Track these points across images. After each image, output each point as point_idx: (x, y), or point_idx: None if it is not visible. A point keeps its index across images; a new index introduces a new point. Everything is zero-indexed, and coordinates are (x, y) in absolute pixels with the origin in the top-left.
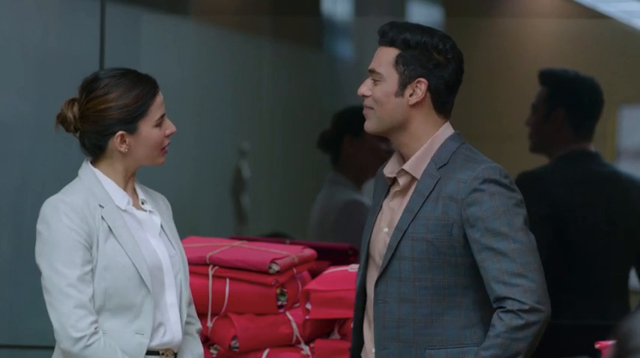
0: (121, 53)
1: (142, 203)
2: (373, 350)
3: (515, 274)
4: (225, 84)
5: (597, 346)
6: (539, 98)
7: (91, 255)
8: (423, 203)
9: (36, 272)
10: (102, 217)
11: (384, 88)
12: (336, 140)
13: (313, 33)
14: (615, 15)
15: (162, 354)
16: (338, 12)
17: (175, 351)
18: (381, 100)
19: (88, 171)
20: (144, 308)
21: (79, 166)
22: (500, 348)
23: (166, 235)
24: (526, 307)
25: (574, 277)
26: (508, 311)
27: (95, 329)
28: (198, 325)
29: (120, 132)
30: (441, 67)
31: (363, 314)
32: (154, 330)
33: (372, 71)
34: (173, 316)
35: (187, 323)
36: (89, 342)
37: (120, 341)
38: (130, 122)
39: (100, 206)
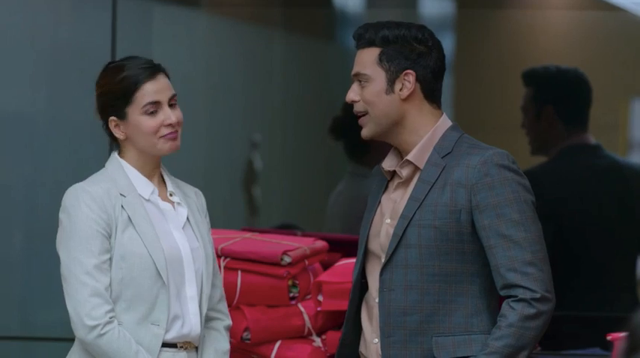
0: (132, 46)
1: (170, 194)
2: (375, 340)
3: (527, 262)
4: (236, 76)
5: (609, 338)
6: (526, 99)
7: (110, 243)
8: (429, 190)
9: (48, 265)
10: (122, 206)
11: (373, 88)
12: (354, 131)
13: (325, 25)
14: (627, 7)
15: (181, 347)
16: (350, 4)
17: (196, 345)
18: (372, 101)
19: (113, 161)
20: (159, 299)
21: (91, 158)
22: (513, 338)
23: (192, 228)
24: (538, 295)
25: (582, 269)
26: (520, 300)
27: (110, 318)
28: (228, 321)
29: (112, 118)
30: (424, 56)
31: (359, 307)
32: (171, 322)
33: (357, 74)
34: (192, 309)
35: (216, 318)
36: (103, 331)
37: (136, 331)
38: (119, 108)
39: (122, 195)
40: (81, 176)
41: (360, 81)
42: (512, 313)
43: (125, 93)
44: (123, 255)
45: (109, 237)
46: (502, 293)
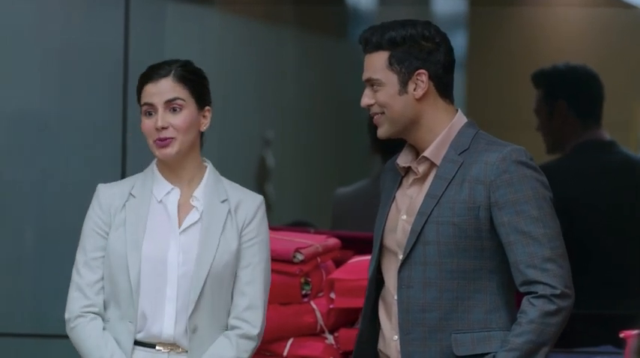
0: (145, 44)
1: (193, 199)
2: (395, 337)
3: (546, 259)
4: (249, 73)
5: (622, 335)
6: (538, 100)
7: (107, 242)
8: (447, 187)
9: (59, 262)
10: (124, 206)
11: (386, 92)
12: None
13: (337, 22)
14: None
15: (162, 350)
16: (362, 1)
17: (185, 349)
18: (387, 104)
19: (151, 163)
20: (132, 297)
21: (102, 157)
22: (534, 334)
23: (200, 232)
24: (557, 292)
25: (594, 267)
26: (540, 296)
27: (82, 312)
28: (249, 330)
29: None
30: (433, 53)
31: (376, 303)
32: (142, 321)
33: (369, 80)
34: (169, 310)
35: (235, 327)
36: (73, 324)
37: (118, 327)
38: (139, 105)
39: (132, 196)
40: (92, 175)
41: (372, 85)
42: (532, 309)
43: (137, 93)
44: (108, 254)
45: (106, 236)
46: (522, 289)
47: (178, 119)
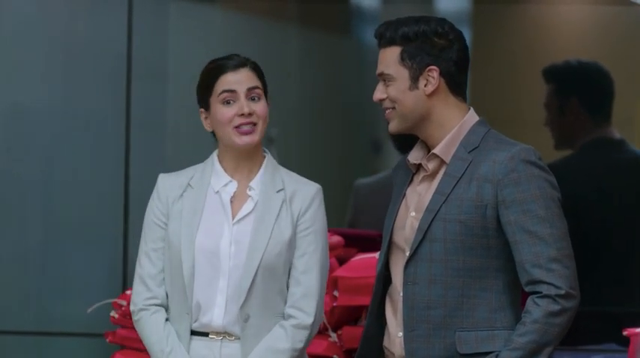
0: (148, 40)
1: (249, 189)
2: (400, 334)
3: (552, 259)
4: None
5: (625, 333)
6: (549, 95)
7: (166, 233)
8: (455, 185)
9: (63, 259)
10: (181, 197)
11: (397, 87)
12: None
13: (341, 20)
14: None
15: (214, 338)
16: None
17: (237, 336)
18: (398, 99)
19: (212, 155)
20: (187, 288)
21: (106, 153)
22: (537, 334)
23: (253, 222)
24: (562, 292)
25: (599, 264)
26: (544, 296)
27: (145, 305)
28: (304, 320)
29: (201, 110)
30: (446, 50)
31: (383, 300)
32: (196, 311)
33: (381, 74)
34: (219, 300)
35: (290, 316)
36: (137, 317)
37: (178, 318)
38: (205, 99)
39: (190, 186)
40: (96, 170)
41: (384, 80)
42: (536, 309)
43: (208, 83)
44: (167, 246)
45: (165, 226)
46: (527, 289)
47: (259, 106)
